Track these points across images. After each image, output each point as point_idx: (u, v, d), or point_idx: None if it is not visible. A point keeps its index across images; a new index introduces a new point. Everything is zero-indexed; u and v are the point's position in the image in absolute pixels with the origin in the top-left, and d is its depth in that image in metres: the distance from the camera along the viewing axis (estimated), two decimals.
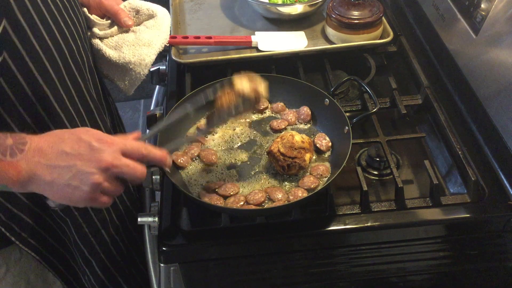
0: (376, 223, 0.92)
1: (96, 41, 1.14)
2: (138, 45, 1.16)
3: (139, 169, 0.80)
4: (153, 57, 1.18)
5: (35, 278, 1.05)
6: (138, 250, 1.22)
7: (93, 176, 0.76)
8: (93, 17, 1.14)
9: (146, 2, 1.21)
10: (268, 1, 1.36)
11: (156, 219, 0.96)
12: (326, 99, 1.04)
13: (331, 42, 1.30)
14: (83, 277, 1.17)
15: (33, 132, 0.84)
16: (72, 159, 0.75)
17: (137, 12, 1.19)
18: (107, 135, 0.79)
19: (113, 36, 1.16)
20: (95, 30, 1.14)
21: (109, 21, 1.16)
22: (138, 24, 1.20)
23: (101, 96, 1.13)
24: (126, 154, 0.79)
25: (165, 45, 1.21)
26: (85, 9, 1.12)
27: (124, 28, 1.17)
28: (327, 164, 0.98)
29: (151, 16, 1.20)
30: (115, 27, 1.16)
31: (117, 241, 1.17)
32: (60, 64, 0.93)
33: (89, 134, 0.78)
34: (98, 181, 0.76)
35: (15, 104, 0.88)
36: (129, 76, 1.18)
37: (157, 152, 0.83)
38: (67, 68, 0.95)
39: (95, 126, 1.06)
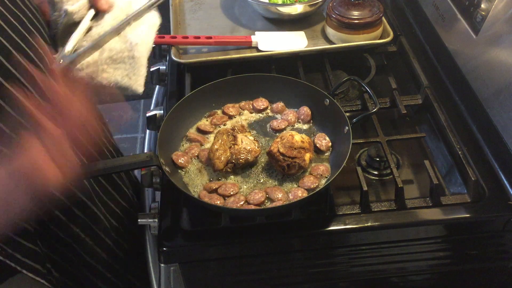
0: (376, 223, 0.92)
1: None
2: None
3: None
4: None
5: None
6: (138, 249, 1.22)
7: None
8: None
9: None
10: (268, 1, 1.36)
11: (156, 219, 0.96)
12: (326, 99, 1.04)
13: (331, 42, 1.30)
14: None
15: None
16: None
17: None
18: None
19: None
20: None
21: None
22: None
23: None
24: None
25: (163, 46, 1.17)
26: None
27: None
28: (327, 164, 0.98)
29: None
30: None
31: (120, 243, 1.17)
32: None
33: None
34: None
35: None
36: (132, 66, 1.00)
37: None
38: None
39: None
